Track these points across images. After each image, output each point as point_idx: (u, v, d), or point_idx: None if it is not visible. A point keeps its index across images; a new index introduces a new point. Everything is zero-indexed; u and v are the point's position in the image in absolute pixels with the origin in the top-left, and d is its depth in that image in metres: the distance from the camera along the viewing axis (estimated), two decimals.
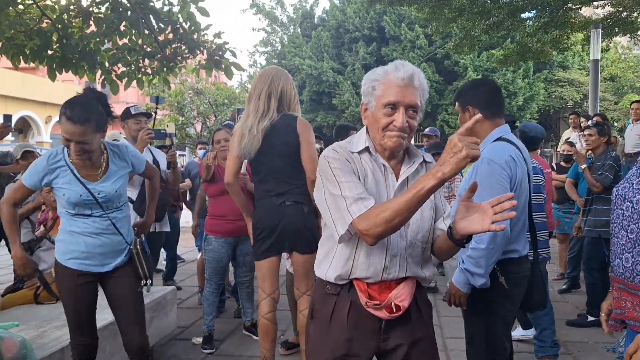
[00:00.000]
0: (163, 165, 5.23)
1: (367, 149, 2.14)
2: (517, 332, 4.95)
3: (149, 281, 3.38)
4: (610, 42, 14.49)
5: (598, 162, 5.57)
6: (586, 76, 25.02)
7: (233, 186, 3.80)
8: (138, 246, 3.29)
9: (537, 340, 4.42)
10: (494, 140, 2.84)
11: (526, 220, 2.91)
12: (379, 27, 30.63)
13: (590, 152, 5.86)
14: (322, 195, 2.11)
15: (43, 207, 4.94)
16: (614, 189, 2.11)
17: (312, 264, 2.37)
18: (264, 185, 3.73)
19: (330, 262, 2.17)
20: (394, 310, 2.08)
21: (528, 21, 12.65)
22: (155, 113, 6.46)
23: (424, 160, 2.23)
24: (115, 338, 3.76)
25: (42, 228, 4.80)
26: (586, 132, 5.91)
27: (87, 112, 2.95)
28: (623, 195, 2.03)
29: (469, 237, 1.95)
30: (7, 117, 5.47)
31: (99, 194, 3.10)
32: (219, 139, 5.07)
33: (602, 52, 11.98)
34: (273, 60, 35.02)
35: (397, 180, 2.13)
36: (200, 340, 5.00)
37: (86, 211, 3.10)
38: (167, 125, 5.16)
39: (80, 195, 3.05)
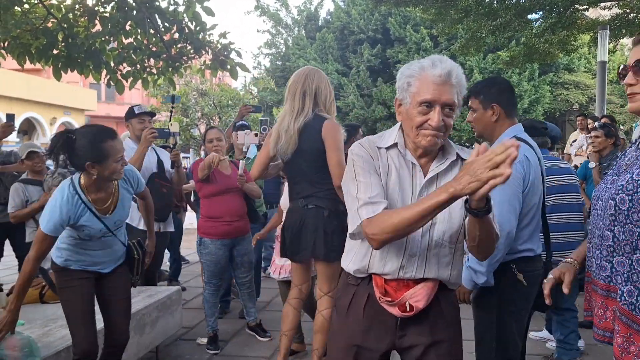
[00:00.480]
0: (167, 164, 5.20)
1: (395, 145, 2.12)
2: (540, 334, 4.92)
3: (137, 277, 3.54)
4: (617, 44, 14.42)
5: (605, 163, 5.51)
6: (592, 79, 24.96)
7: (254, 182, 4.00)
8: (137, 245, 3.44)
9: (563, 343, 4.31)
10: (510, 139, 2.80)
11: (539, 220, 2.89)
12: (383, 28, 30.62)
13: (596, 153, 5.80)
14: (345, 190, 2.14)
15: None
16: (594, 190, 2.04)
17: (334, 271, 2.38)
18: (295, 186, 3.79)
19: (352, 255, 2.20)
20: (408, 309, 2.06)
21: (535, 22, 12.59)
22: (172, 112, 6.49)
23: (459, 157, 2.16)
24: None
25: None
26: (593, 133, 5.86)
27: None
28: (597, 196, 1.97)
29: (486, 204, 1.82)
30: (10, 117, 5.46)
31: (114, 223, 3.24)
32: (211, 137, 4.97)
33: (609, 54, 11.91)
34: (277, 62, 35.02)
35: (424, 177, 2.10)
36: (205, 340, 4.98)
37: (97, 235, 3.22)
38: (171, 125, 5.10)
39: (100, 230, 3.17)
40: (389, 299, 2.08)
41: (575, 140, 9.52)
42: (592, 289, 2.00)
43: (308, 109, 3.64)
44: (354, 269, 2.18)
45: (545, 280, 2.09)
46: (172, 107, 6.00)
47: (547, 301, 2.04)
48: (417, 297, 2.07)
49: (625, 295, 1.78)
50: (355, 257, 2.18)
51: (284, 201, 4.21)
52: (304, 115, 3.63)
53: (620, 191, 1.80)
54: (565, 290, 2.01)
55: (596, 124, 7.02)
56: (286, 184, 4.05)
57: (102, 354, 3.35)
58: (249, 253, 5.11)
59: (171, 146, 5.21)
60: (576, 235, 4.14)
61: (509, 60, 14.33)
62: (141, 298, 4.53)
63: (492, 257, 2.54)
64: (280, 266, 4.43)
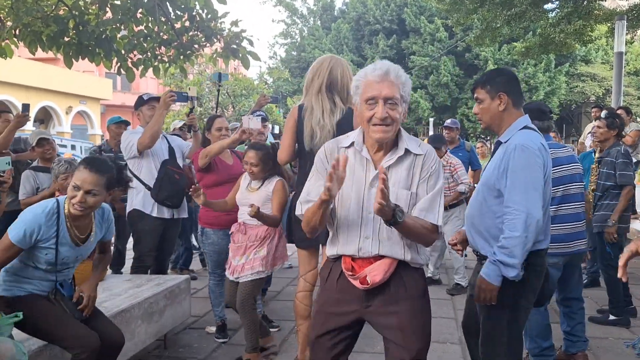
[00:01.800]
0: (179, 152, 5.18)
1: (352, 144, 2.49)
2: None
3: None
4: (635, 35, 14.20)
5: (606, 155, 5.36)
6: (609, 70, 24.64)
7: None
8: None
9: (571, 335, 4.24)
10: (521, 129, 2.83)
11: (549, 211, 2.87)
12: (399, 19, 30.47)
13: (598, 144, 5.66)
14: None
15: (57, 194, 4.92)
16: None
17: None
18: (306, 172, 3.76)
19: (329, 241, 2.61)
20: (368, 282, 2.39)
21: (551, 12, 12.43)
22: (219, 91, 6.53)
23: (408, 151, 2.44)
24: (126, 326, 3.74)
25: None
26: (596, 123, 5.74)
27: (105, 166, 3.14)
28: None
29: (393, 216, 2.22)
30: (26, 107, 5.48)
31: (76, 258, 3.22)
32: (220, 126, 4.91)
33: (626, 45, 11.73)
34: (292, 52, 35.00)
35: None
36: (213, 329, 4.97)
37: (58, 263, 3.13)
38: (189, 89, 5.11)
39: (63, 259, 3.12)
40: (350, 273, 2.45)
41: (590, 132, 9.39)
42: None
43: (340, 103, 3.71)
44: (329, 252, 2.59)
45: (621, 256, 2.10)
46: (219, 86, 6.00)
47: (620, 273, 2.08)
48: (375, 272, 2.40)
49: None
50: (330, 241, 2.59)
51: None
52: (340, 110, 3.69)
53: None
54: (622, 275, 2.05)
55: (602, 113, 6.89)
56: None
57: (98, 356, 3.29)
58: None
59: (189, 110, 5.26)
60: (581, 225, 4.07)
61: (524, 51, 14.17)
62: (149, 287, 4.52)
63: (523, 246, 2.59)
64: (235, 266, 4.23)
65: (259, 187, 4.23)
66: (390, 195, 2.18)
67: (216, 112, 6.94)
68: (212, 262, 4.86)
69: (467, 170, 7.43)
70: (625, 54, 12.18)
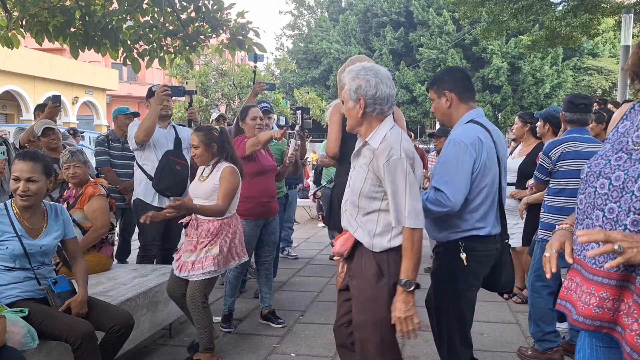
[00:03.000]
0: (186, 143, 5.19)
1: None
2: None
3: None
4: None
5: None
6: (616, 64, 24.51)
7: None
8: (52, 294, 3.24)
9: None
10: (466, 123, 2.98)
11: (495, 200, 2.98)
12: (407, 11, 30.34)
13: None
14: None
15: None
16: (585, 166, 1.95)
17: None
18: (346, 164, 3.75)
19: None
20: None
21: (558, 5, 12.37)
22: (254, 72, 6.50)
23: (365, 142, 2.68)
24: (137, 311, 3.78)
25: (64, 205, 4.82)
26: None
27: (37, 155, 3.31)
28: (597, 172, 1.87)
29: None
30: (57, 98, 5.52)
31: (40, 248, 3.23)
32: (255, 116, 4.87)
33: (633, 38, 11.67)
34: (300, 44, 34.92)
35: None
36: (219, 319, 4.99)
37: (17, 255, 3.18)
38: (187, 83, 5.03)
39: (20, 249, 3.16)
40: (332, 241, 2.84)
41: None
42: (578, 273, 1.94)
43: None
44: None
45: (546, 255, 2.02)
46: (255, 67, 5.96)
47: (548, 275, 1.99)
48: (337, 243, 2.79)
49: None
50: None
51: None
52: None
53: None
54: (570, 260, 1.94)
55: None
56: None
57: (105, 338, 3.31)
58: (276, 232, 5.11)
59: (188, 104, 5.14)
60: None
61: (531, 45, 14.11)
62: (154, 276, 4.55)
63: (425, 215, 2.72)
64: (184, 262, 4.01)
65: (208, 176, 4.04)
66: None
67: (254, 83, 6.93)
68: None
69: None
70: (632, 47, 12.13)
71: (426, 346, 4.41)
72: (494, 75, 27.10)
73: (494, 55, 26.89)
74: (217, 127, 4.18)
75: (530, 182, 4.87)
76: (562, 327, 4.95)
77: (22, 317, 2.94)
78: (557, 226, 2.13)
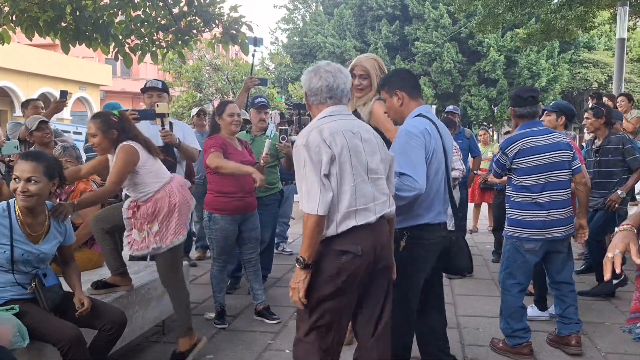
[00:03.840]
0: (187, 139, 5.12)
1: None
2: (531, 312, 4.87)
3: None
4: (638, 21, 14.10)
5: (607, 144, 5.62)
6: (612, 57, 24.51)
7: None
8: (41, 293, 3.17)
9: (562, 318, 4.28)
10: (415, 116, 3.27)
11: (442, 190, 3.24)
12: (402, 5, 30.23)
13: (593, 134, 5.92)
14: None
15: None
16: None
17: None
18: None
19: None
20: None
21: None
22: (253, 56, 6.42)
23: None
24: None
25: (56, 201, 4.77)
26: (585, 114, 5.88)
27: (41, 155, 3.24)
28: None
29: None
30: (63, 93, 5.49)
31: (38, 256, 3.18)
32: (233, 112, 4.79)
33: (628, 31, 11.66)
34: (295, 38, 34.80)
35: None
36: (212, 315, 4.97)
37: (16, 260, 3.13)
38: (157, 105, 4.68)
39: (23, 255, 3.11)
40: None
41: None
42: None
43: None
44: None
45: (609, 255, 1.99)
46: (254, 51, 5.88)
47: (607, 276, 1.99)
48: None
49: None
50: None
51: None
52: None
53: None
54: (638, 260, 1.92)
55: (589, 105, 7.04)
56: None
57: (97, 336, 3.28)
58: (257, 229, 5.01)
59: (160, 128, 4.77)
60: (563, 212, 4.11)
61: (526, 38, 14.08)
62: (147, 273, 4.52)
63: (399, 198, 3.00)
64: (134, 240, 3.88)
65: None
66: None
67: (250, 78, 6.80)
68: (218, 247, 4.84)
69: (467, 157, 7.58)
70: (628, 41, 12.14)
71: None
72: (490, 69, 27.04)
73: (491, 49, 26.84)
74: (116, 112, 3.89)
75: (490, 177, 5.03)
76: (543, 315, 4.97)
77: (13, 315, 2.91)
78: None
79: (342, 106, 2.85)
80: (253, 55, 6.00)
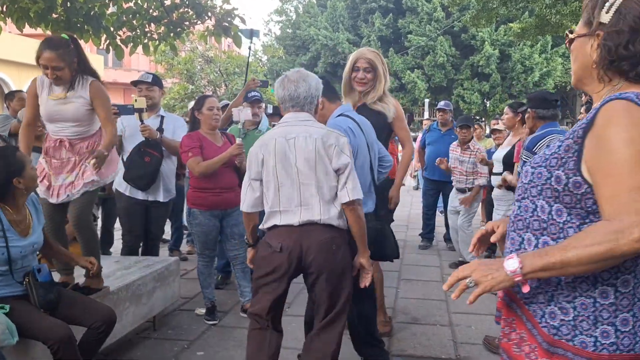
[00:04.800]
0: (173, 133, 5.10)
1: None
2: None
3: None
4: None
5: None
6: None
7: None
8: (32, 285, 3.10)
9: None
10: (337, 116, 3.50)
11: (368, 183, 3.46)
12: None
13: None
14: None
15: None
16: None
17: None
18: None
19: None
20: None
21: None
22: (250, 49, 6.39)
23: None
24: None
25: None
26: (582, 109, 5.93)
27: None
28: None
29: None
30: None
31: (33, 247, 3.14)
32: (212, 106, 4.75)
33: None
34: (287, 30, 34.66)
35: None
36: (203, 311, 4.93)
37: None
38: (136, 101, 4.68)
39: (21, 252, 3.07)
40: None
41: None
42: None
43: None
44: None
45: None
46: (251, 43, 5.84)
47: (470, 248, 2.04)
48: None
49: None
50: None
51: None
52: None
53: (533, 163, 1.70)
54: (492, 238, 1.93)
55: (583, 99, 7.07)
56: None
57: (87, 334, 3.24)
58: (239, 224, 4.82)
59: (140, 122, 4.81)
60: None
61: (520, 32, 14.05)
62: (137, 269, 4.49)
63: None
64: (61, 185, 3.66)
65: (67, 94, 3.61)
66: None
67: (246, 71, 6.85)
68: (199, 243, 4.81)
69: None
70: None
71: (413, 339, 4.41)
72: (484, 63, 26.98)
73: (485, 43, 26.80)
74: (65, 36, 3.70)
75: (510, 177, 4.92)
76: None
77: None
78: None
79: (303, 113, 3.04)
80: (250, 49, 5.94)
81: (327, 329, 3.04)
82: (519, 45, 25.90)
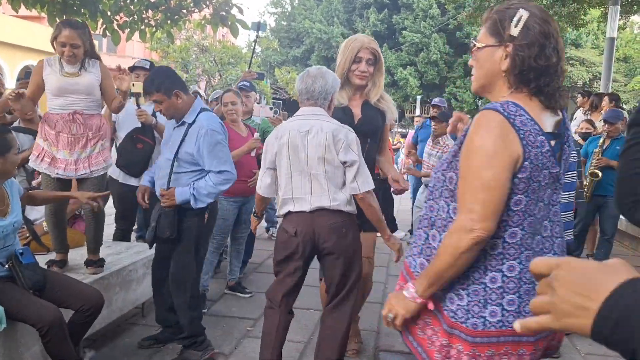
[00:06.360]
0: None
1: None
2: None
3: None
4: (628, 21, 14.18)
5: (618, 145, 5.83)
6: (599, 55, 24.71)
7: None
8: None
9: None
10: (200, 112, 3.63)
11: None
12: None
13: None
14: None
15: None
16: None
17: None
18: None
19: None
20: None
21: None
22: (255, 42, 6.37)
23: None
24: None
25: (39, 178, 4.69)
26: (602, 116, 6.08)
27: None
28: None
29: None
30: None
31: (13, 226, 3.12)
32: (227, 101, 5.00)
33: (618, 30, 11.72)
34: (282, 22, 34.58)
35: None
36: None
37: None
38: (133, 85, 4.74)
39: (2, 232, 3.04)
40: None
41: (575, 118, 9.39)
42: None
43: None
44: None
45: None
46: (257, 37, 5.81)
47: None
48: None
49: (418, 267, 1.87)
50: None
51: None
52: None
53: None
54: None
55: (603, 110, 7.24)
56: None
57: (74, 317, 3.23)
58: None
59: (136, 107, 4.82)
60: (569, 215, 4.23)
61: None
62: (128, 254, 4.49)
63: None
64: (77, 160, 3.77)
65: (79, 71, 3.77)
66: None
67: (249, 66, 6.80)
68: (216, 227, 4.81)
69: None
70: (617, 40, 12.19)
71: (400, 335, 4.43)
72: None
73: None
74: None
75: None
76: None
77: None
78: None
79: (316, 107, 3.15)
80: (255, 42, 5.95)
81: (339, 307, 3.27)
82: None
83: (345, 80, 3.63)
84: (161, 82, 3.50)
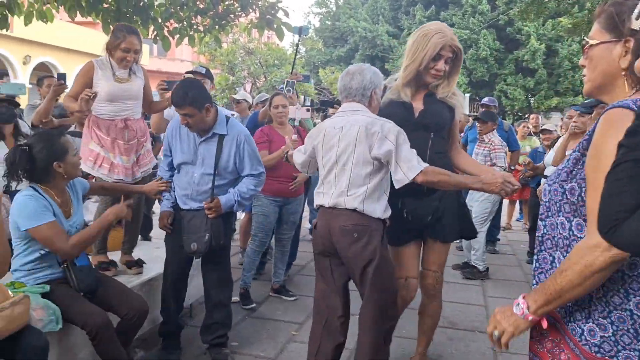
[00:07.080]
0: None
1: None
2: None
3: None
4: None
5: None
6: None
7: None
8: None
9: None
10: (228, 119, 3.74)
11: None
12: None
13: None
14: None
15: None
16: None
17: None
18: None
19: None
20: None
21: None
22: (297, 46, 6.47)
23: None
24: None
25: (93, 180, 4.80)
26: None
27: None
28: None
29: None
30: (62, 76, 5.48)
31: (76, 228, 3.23)
32: (277, 104, 5.09)
33: None
34: (327, 22, 34.58)
35: None
36: (237, 299, 4.98)
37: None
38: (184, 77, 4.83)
39: (67, 232, 3.13)
40: None
41: None
42: None
43: None
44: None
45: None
46: (299, 40, 5.91)
47: None
48: None
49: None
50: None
51: None
52: None
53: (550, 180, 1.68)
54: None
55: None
56: None
57: (120, 324, 3.30)
58: (297, 213, 5.30)
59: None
60: None
61: (571, 28, 13.63)
62: None
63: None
64: (134, 164, 4.03)
65: (129, 77, 3.97)
66: None
67: (293, 65, 6.91)
68: (257, 223, 5.07)
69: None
70: None
71: (450, 344, 4.40)
72: (529, 58, 26.41)
73: (531, 37, 26.22)
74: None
75: None
76: None
77: (44, 296, 2.96)
78: None
79: (354, 103, 3.11)
80: (297, 45, 5.99)
81: (368, 301, 3.08)
82: (567, 40, 25.28)
83: (416, 76, 3.27)
84: (195, 96, 3.46)
